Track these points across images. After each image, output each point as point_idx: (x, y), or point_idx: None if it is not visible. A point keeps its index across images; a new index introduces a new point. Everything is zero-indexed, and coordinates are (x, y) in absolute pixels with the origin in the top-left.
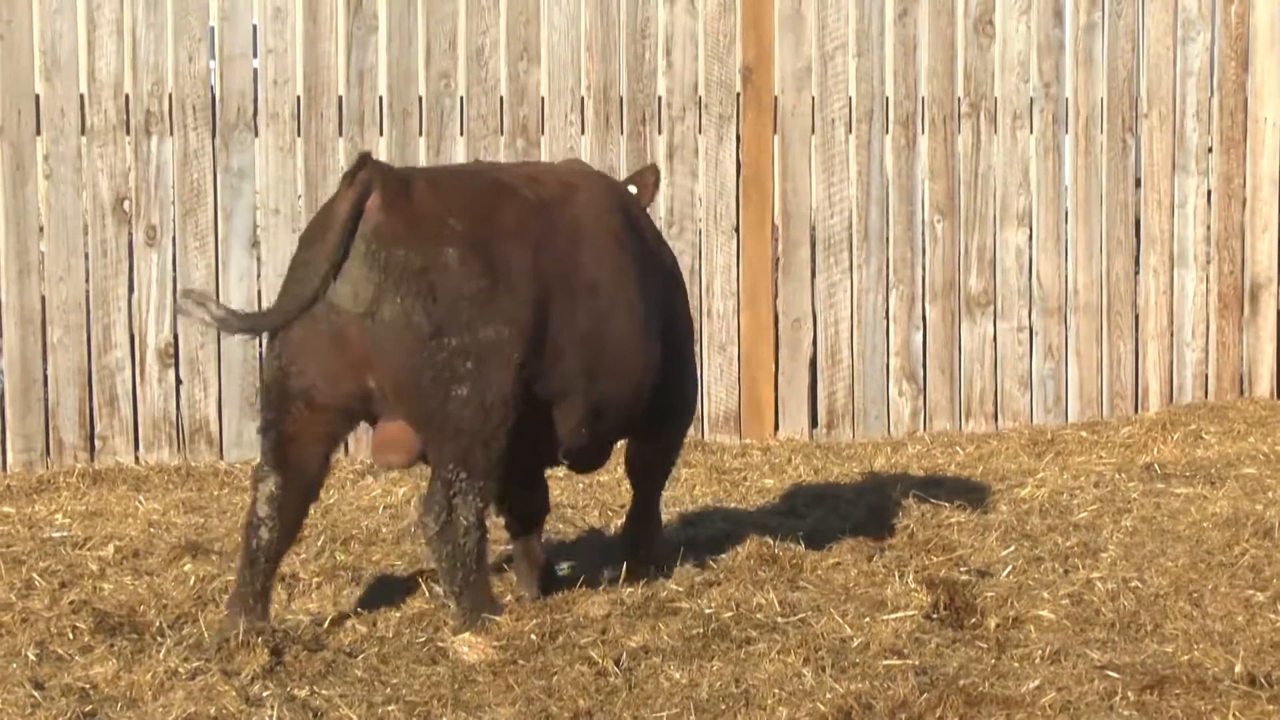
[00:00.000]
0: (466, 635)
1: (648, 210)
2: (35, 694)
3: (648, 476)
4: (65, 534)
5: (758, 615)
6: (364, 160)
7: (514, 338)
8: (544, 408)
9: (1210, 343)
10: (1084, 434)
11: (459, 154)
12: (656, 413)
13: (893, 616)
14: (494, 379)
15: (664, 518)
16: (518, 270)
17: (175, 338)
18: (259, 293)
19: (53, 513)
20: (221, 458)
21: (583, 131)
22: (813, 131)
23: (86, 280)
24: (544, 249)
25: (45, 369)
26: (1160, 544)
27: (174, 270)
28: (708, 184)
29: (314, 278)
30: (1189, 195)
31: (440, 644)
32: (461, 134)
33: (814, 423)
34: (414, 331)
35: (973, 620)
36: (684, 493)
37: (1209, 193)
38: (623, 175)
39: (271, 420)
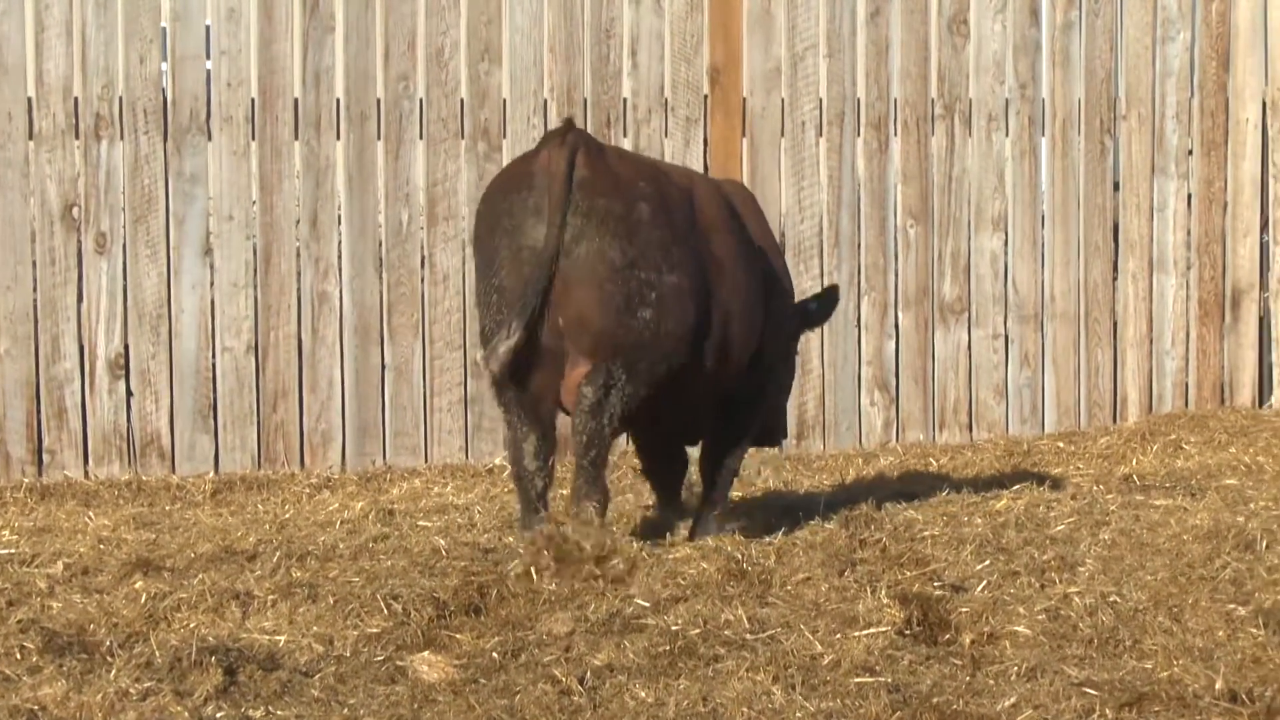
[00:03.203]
0: (425, 654)
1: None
2: None
3: (722, 464)
4: (12, 551)
5: (726, 632)
6: (570, 123)
7: (688, 287)
8: (687, 362)
9: (1191, 350)
10: (1061, 444)
11: (418, 158)
12: (749, 393)
13: (864, 633)
14: (671, 314)
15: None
16: (685, 235)
17: (126, 348)
18: (212, 302)
19: None
20: (173, 471)
21: None
22: (782, 134)
23: (34, 289)
24: (696, 224)
25: None
26: (1139, 557)
27: (124, 279)
28: None
29: (549, 227)
30: (1169, 199)
31: (399, 663)
32: (421, 137)
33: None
34: (608, 264)
35: (947, 636)
36: (649, 504)
37: (1189, 196)
38: None
39: (504, 377)
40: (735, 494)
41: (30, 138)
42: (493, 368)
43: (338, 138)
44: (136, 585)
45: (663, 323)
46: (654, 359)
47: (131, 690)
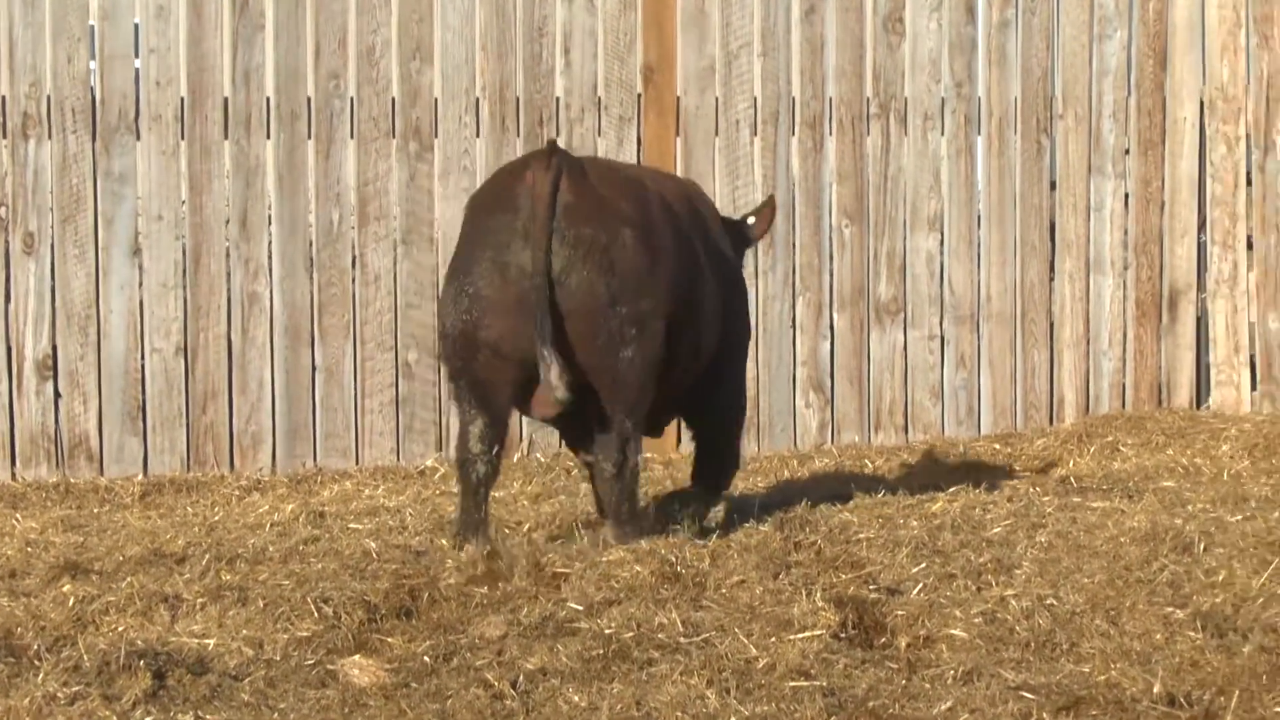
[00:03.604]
0: (356, 658)
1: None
2: None
3: (714, 465)
4: None
5: (659, 635)
6: (554, 145)
7: (662, 309)
8: (667, 374)
9: (1128, 351)
10: (997, 446)
11: (349, 158)
12: (716, 394)
13: (799, 636)
14: (650, 342)
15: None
16: (663, 251)
17: (54, 349)
18: (141, 302)
19: None
20: (102, 474)
21: (478, 134)
22: (716, 133)
23: None
24: (676, 235)
25: None
26: (1076, 560)
27: (52, 279)
28: None
29: (535, 250)
30: (1106, 199)
31: (330, 667)
32: (352, 137)
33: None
34: (595, 299)
35: (882, 640)
36: (583, 507)
37: (1126, 196)
38: None
39: (460, 368)
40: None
41: None
42: (559, 398)
43: (268, 137)
44: (64, 588)
45: (646, 353)
46: (647, 392)
47: (59, 694)
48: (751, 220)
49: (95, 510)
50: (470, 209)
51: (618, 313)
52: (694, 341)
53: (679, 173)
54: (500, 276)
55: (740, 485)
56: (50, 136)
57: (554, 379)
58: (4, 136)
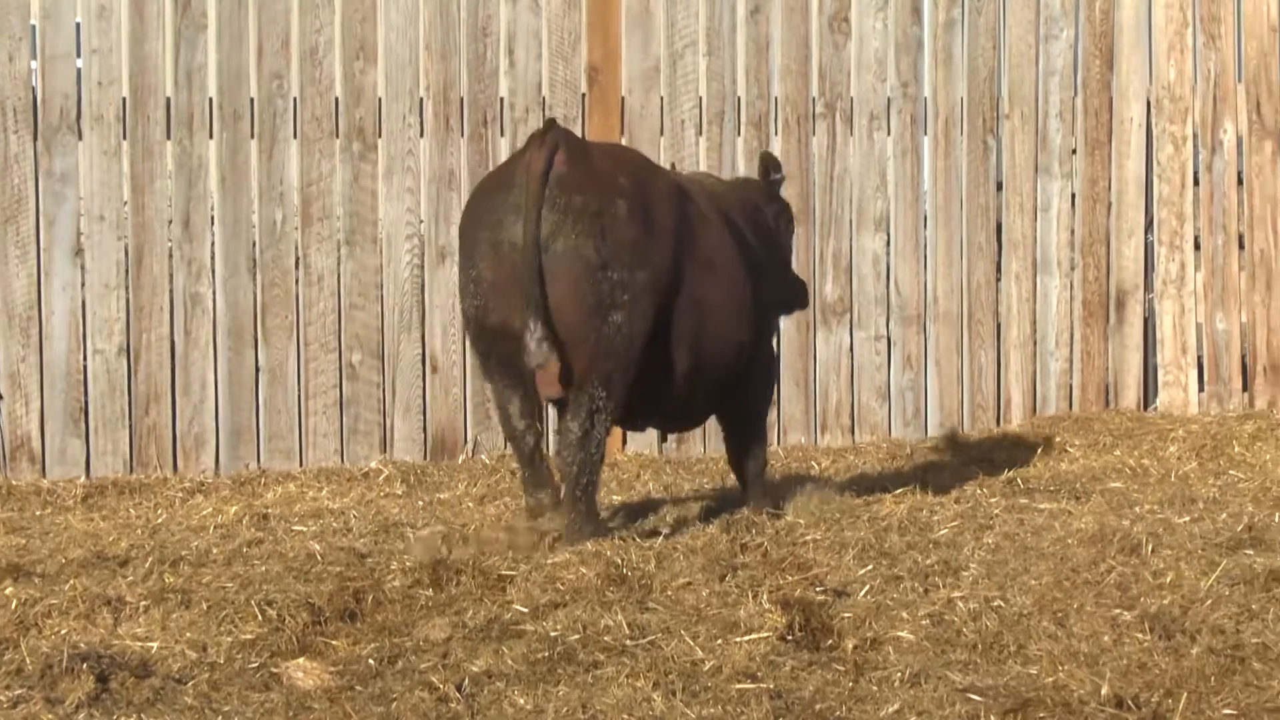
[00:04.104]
0: (300, 661)
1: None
2: None
3: (747, 458)
4: None
5: (605, 638)
6: (551, 124)
7: (657, 283)
8: (661, 357)
9: (1075, 352)
10: (944, 447)
11: (292, 158)
12: (744, 387)
13: (746, 638)
14: (639, 314)
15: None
16: (662, 230)
17: None
18: (83, 303)
19: None
20: (44, 475)
21: (421, 134)
22: (662, 133)
23: None
24: (680, 220)
25: None
26: (1023, 561)
27: None
28: None
29: (526, 223)
30: (1052, 199)
31: (274, 670)
32: (295, 137)
33: (663, 437)
34: (583, 262)
35: (829, 642)
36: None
37: (1073, 196)
38: (463, 180)
39: (485, 351)
40: (617, 498)
41: None
42: (534, 364)
43: (210, 137)
44: (6, 591)
45: (634, 324)
46: (627, 364)
47: (1, 698)
48: (776, 176)
49: (37, 513)
50: (472, 194)
51: (608, 277)
52: (701, 335)
53: None
54: (496, 254)
55: (686, 488)
56: None
57: (534, 346)
58: None
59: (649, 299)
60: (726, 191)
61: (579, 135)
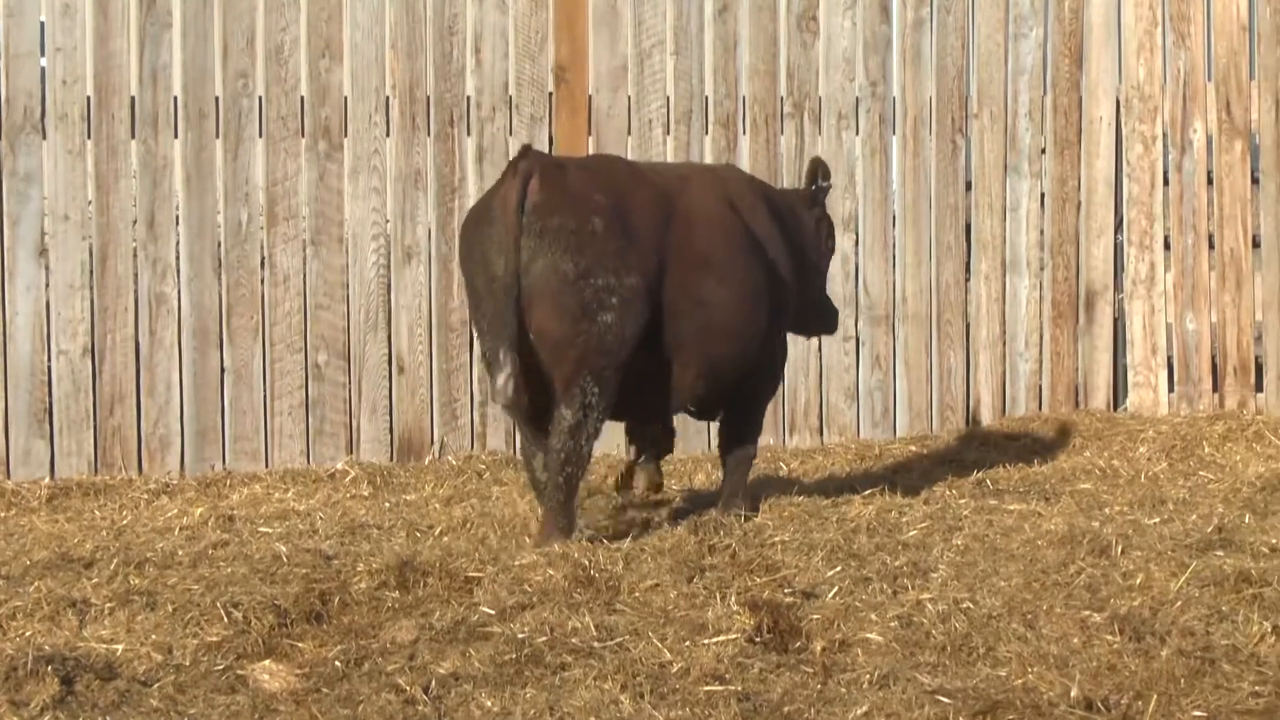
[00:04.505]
0: (267, 663)
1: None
2: None
3: (735, 449)
4: None
5: (573, 640)
6: (525, 151)
7: (642, 289)
8: (668, 358)
9: (1044, 352)
10: (913, 448)
11: (258, 157)
12: (747, 381)
13: (714, 640)
14: (627, 317)
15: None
16: (645, 238)
17: None
18: (47, 304)
19: None
20: (8, 477)
21: (388, 133)
22: (629, 133)
23: None
24: (665, 225)
25: None
26: (993, 563)
27: None
28: None
29: (506, 258)
30: (1021, 198)
31: (240, 672)
32: (260, 136)
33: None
34: (561, 276)
35: (798, 644)
36: (497, 510)
37: (1042, 196)
38: (429, 180)
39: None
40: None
41: None
42: (499, 401)
43: (175, 136)
44: None
45: (624, 326)
46: (617, 364)
47: None
48: (823, 184)
49: (1, 514)
50: (463, 227)
51: (591, 284)
52: (696, 335)
53: None
54: (489, 290)
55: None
56: None
57: (502, 382)
58: None
59: (639, 302)
60: (754, 191)
61: (554, 156)
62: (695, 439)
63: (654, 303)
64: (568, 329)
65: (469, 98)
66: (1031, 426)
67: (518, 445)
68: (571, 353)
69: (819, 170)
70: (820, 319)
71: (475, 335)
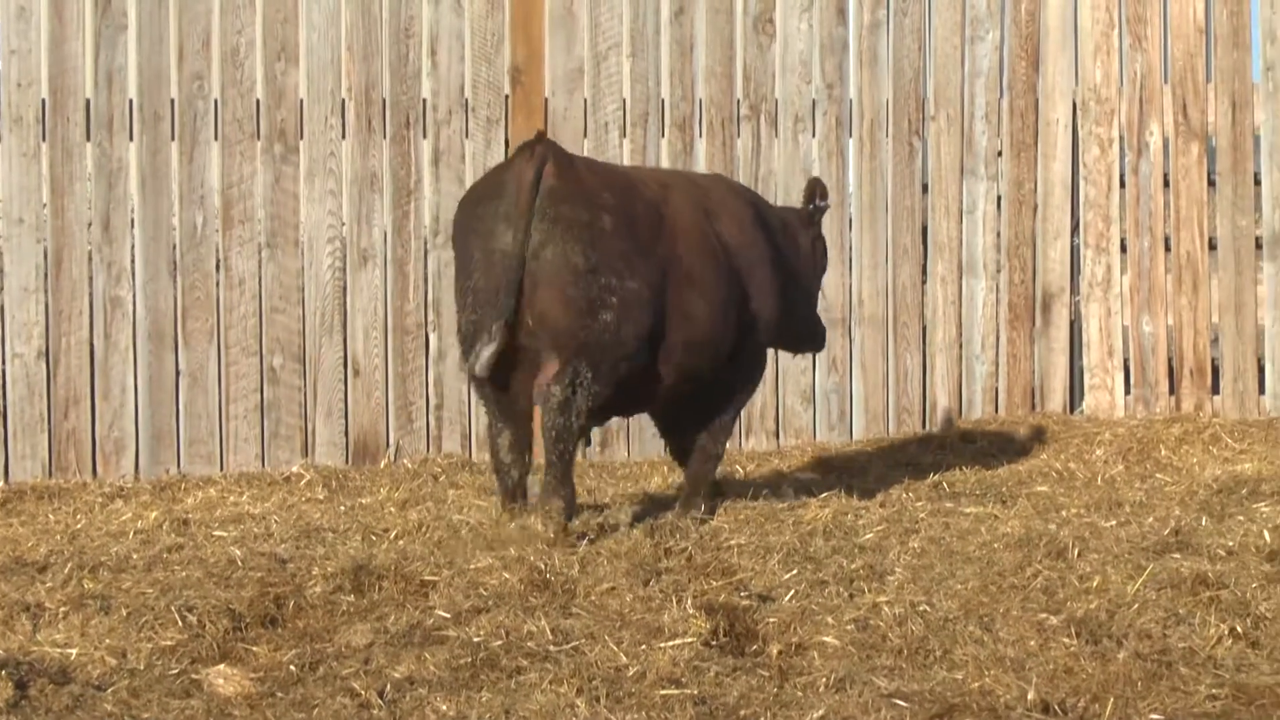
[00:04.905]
0: (221, 667)
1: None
2: None
3: (702, 453)
4: None
5: (529, 643)
6: (540, 136)
7: (647, 293)
8: (653, 358)
9: (1001, 355)
10: (870, 451)
11: (213, 160)
12: (720, 385)
13: (670, 644)
14: (630, 318)
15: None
16: (646, 244)
17: None
18: (1, 307)
19: None
20: None
21: (344, 135)
22: (585, 135)
23: None
24: (660, 234)
25: None
26: (949, 566)
27: None
28: None
29: (516, 233)
30: (978, 201)
31: (194, 676)
32: (216, 138)
33: (587, 440)
34: (571, 268)
35: (754, 647)
36: (451, 512)
37: (999, 198)
38: (385, 183)
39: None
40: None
41: None
42: (477, 371)
43: (131, 139)
44: None
45: (623, 326)
46: (614, 359)
47: None
48: (820, 204)
49: None
50: (462, 203)
51: (598, 280)
52: (684, 341)
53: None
54: (489, 264)
55: (609, 492)
56: None
57: (485, 354)
58: None
59: (640, 307)
60: (739, 202)
61: (563, 148)
62: (652, 442)
63: (653, 310)
64: (573, 322)
65: (425, 100)
66: (988, 429)
67: (473, 448)
68: (572, 343)
69: (817, 190)
70: (810, 337)
71: (458, 309)
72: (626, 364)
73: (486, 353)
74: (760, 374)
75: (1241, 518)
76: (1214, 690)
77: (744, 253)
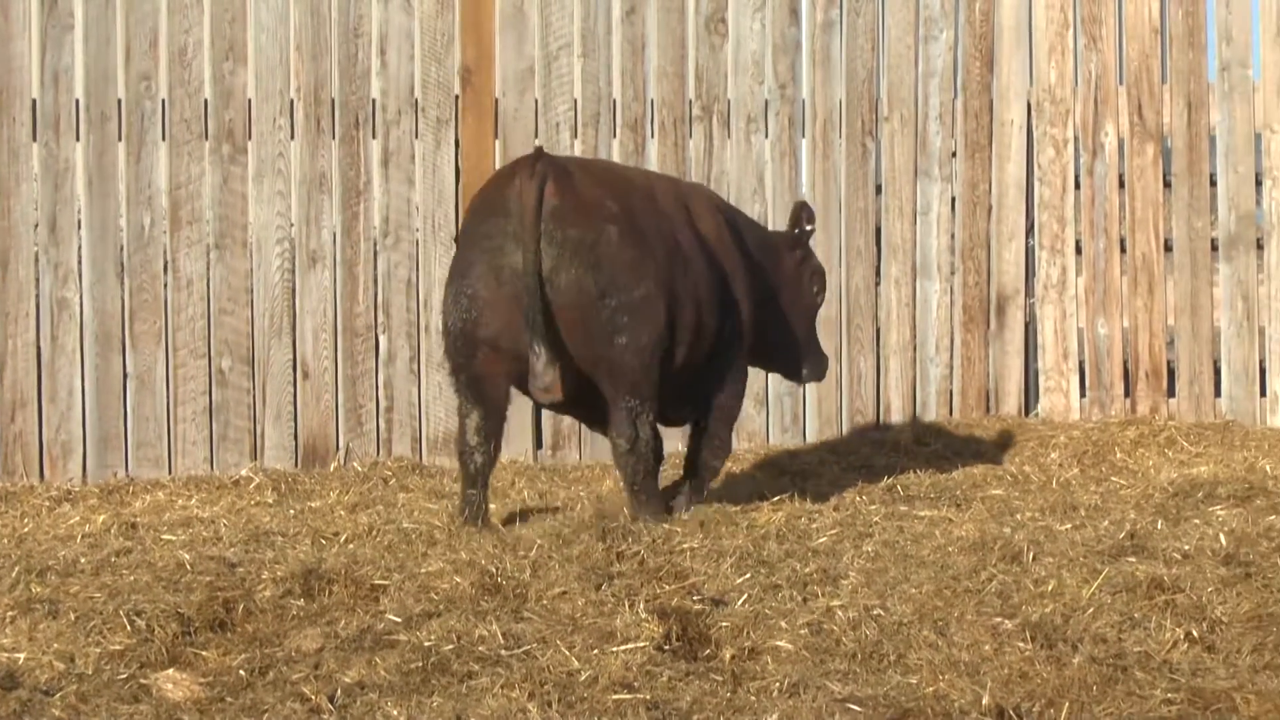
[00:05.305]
0: (170, 672)
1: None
2: None
3: (699, 465)
4: None
5: (480, 648)
6: (539, 153)
7: (658, 294)
8: (670, 358)
9: (955, 357)
10: (823, 454)
11: (161, 160)
12: (717, 385)
13: (622, 648)
14: (646, 326)
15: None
16: (653, 242)
17: None
18: None
19: None
20: None
21: (292, 136)
22: (536, 135)
23: None
24: (662, 228)
25: None
26: (903, 570)
27: None
28: (425, 192)
29: (527, 256)
30: (932, 202)
31: (143, 681)
32: (164, 139)
33: (539, 444)
34: (585, 295)
35: (707, 651)
36: (402, 516)
37: (953, 199)
38: (334, 183)
39: (461, 364)
40: (492, 505)
41: None
42: (543, 386)
43: (77, 139)
44: None
45: (641, 337)
46: (648, 369)
47: None
48: (807, 228)
49: None
50: (470, 211)
51: (607, 304)
52: (693, 326)
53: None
54: (495, 278)
55: (561, 495)
56: None
57: (540, 369)
58: None
59: (652, 309)
60: (714, 213)
61: (564, 159)
62: (603, 445)
63: (666, 305)
64: (594, 348)
65: (374, 100)
66: (942, 432)
67: (424, 451)
68: (601, 369)
69: (803, 214)
70: (811, 362)
71: (448, 307)
72: (659, 363)
73: (542, 368)
74: (740, 386)
75: (1197, 521)
76: (1170, 695)
77: (721, 260)
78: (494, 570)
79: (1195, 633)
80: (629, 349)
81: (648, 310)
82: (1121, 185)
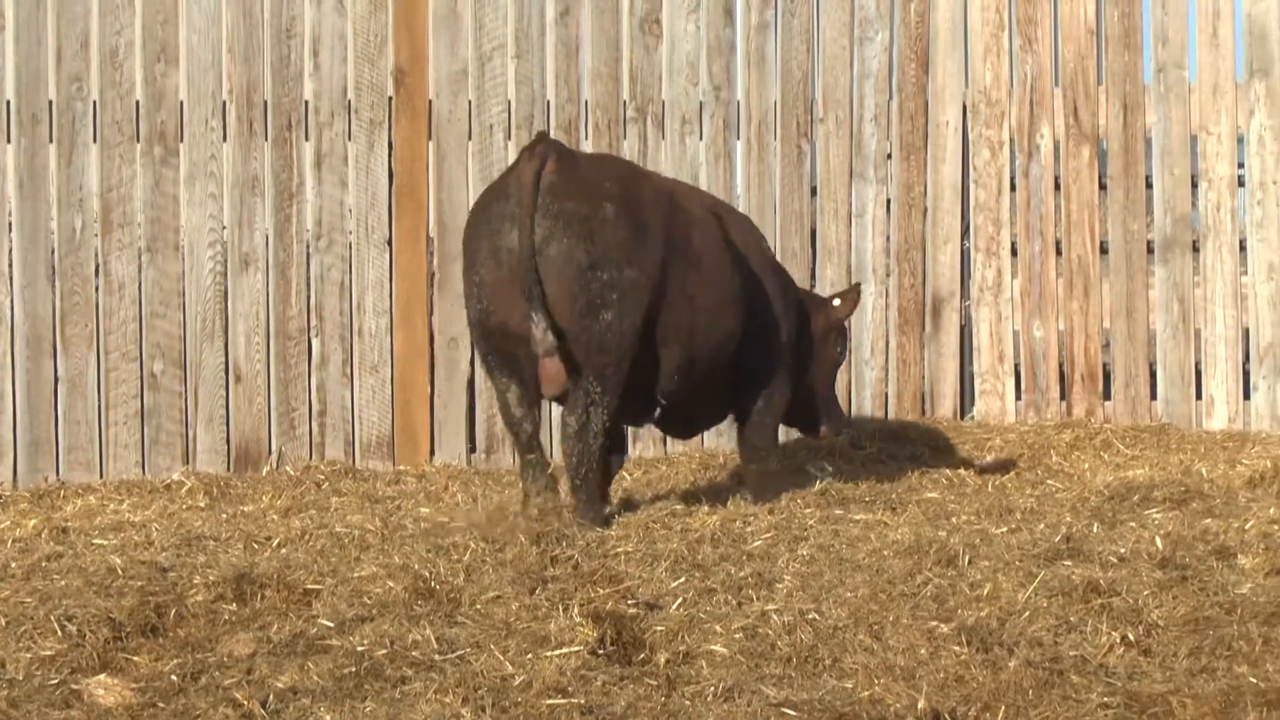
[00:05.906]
0: (101, 677)
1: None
2: None
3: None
4: None
5: (413, 653)
6: (541, 136)
7: (646, 282)
8: (653, 351)
9: (890, 360)
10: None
11: (92, 163)
12: (743, 389)
13: (557, 653)
14: (630, 311)
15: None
16: (651, 231)
17: None
18: None
19: None
20: None
21: (224, 138)
22: (470, 138)
23: None
24: (667, 222)
25: None
26: (839, 573)
27: None
28: (358, 194)
29: (522, 230)
30: (867, 204)
31: (74, 686)
32: (95, 141)
33: (473, 447)
34: (575, 265)
35: (641, 656)
36: (334, 520)
37: (889, 202)
38: (266, 185)
39: (487, 350)
40: (424, 510)
41: None
42: (541, 350)
43: (8, 141)
44: None
45: (624, 320)
46: (620, 358)
47: None
48: (837, 302)
49: None
50: (474, 206)
51: (597, 277)
52: (689, 328)
53: (431, 178)
54: (495, 260)
55: (495, 499)
56: None
57: (538, 334)
58: None
59: (637, 296)
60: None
61: (566, 146)
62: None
63: (651, 298)
64: (574, 321)
65: (307, 102)
66: (877, 435)
67: (356, 455)
68: (577, 346)
69: (850, 294)
70: (828, 414)
71: (466, 301)
72: (630, 359)
73: (540, 333)
74: (781, 389)
75: (1133, 524)
76: (1106, 699)
77: (755, 274)
78: (427, 575)
79: (1131, 636)
80: (610, 329)
81: (635, 293)
82: (1057, 187)
